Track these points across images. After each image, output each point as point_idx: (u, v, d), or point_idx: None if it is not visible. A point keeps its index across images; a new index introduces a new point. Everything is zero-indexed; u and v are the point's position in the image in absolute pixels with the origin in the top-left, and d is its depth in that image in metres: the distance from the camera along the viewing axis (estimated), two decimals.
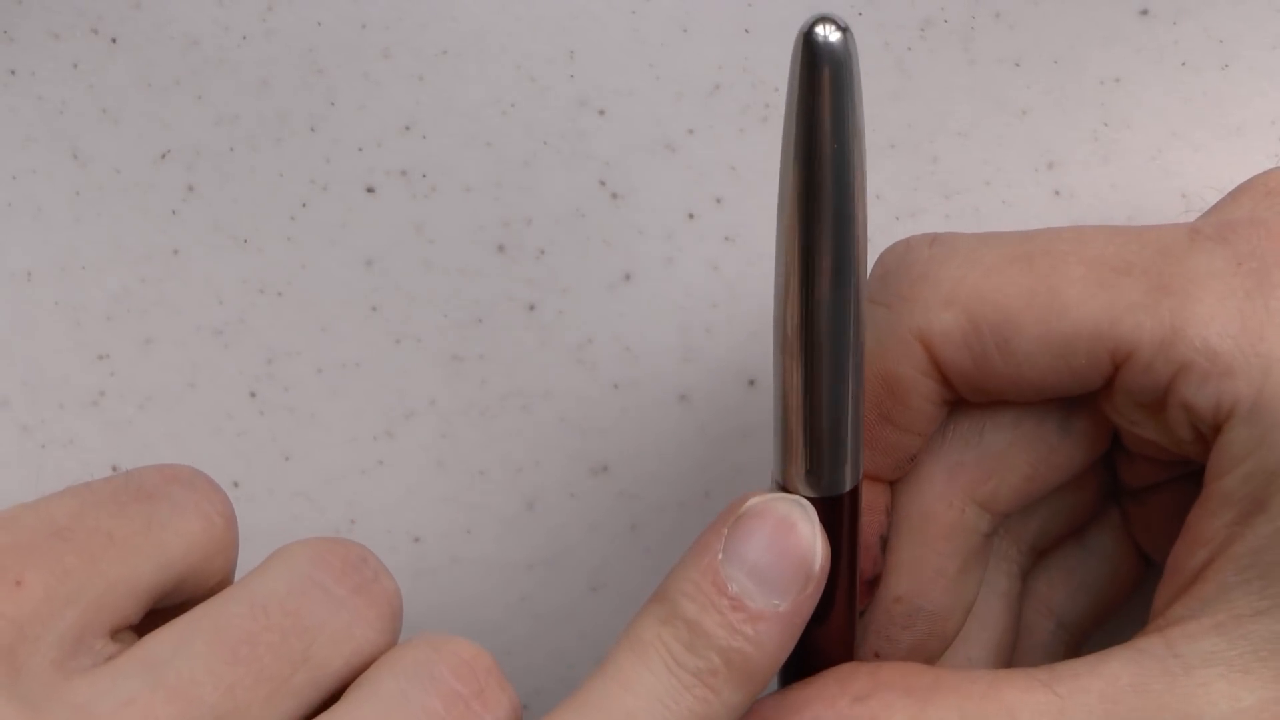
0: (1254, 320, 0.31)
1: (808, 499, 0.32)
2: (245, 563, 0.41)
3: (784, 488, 0.32)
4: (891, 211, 0.39)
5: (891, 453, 0.34)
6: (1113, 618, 0.37)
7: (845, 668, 0.34)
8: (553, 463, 0.40)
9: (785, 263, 0.30)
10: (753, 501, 0.32)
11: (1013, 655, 0.36)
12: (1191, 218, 0.38)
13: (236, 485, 0.40)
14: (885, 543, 0.35)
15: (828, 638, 0.34)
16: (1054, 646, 0.37)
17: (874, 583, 0.35)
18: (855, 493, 0.32)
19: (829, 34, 0.28)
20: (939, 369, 0.33)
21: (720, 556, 0.31)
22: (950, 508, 0.34)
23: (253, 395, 0.40)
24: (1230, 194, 0.35)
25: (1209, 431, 0.32)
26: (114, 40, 0.39)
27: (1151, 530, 0.36)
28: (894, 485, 0.35)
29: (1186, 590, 0.32)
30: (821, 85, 0.28)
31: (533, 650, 0.41)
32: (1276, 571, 0.31)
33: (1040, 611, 0.37)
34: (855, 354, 0.31)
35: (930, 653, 0.35)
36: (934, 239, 0.34)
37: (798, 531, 0.31)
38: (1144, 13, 0.38)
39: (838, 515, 0.32)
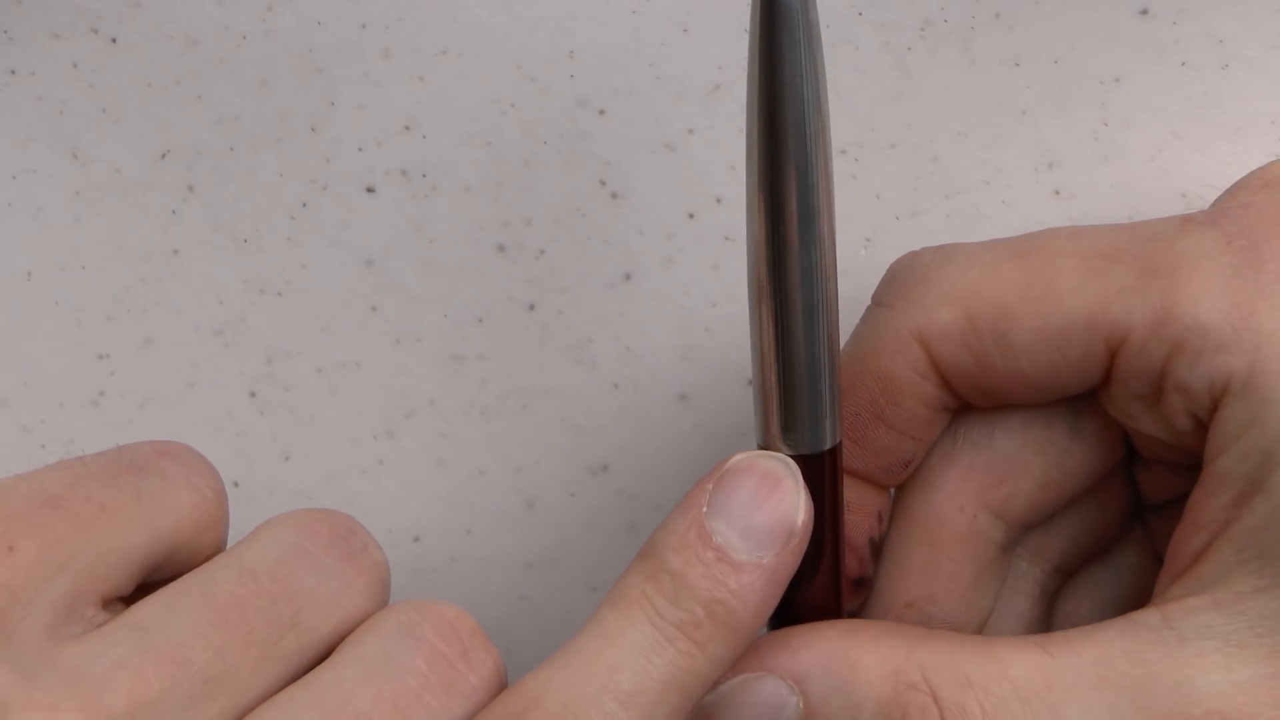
0: (1243, 295, 0.31)
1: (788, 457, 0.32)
2: None
3: (765, 448, 0.32)
4: (891, 211, 0.39)
5: (884, 454, 0.34)
6: None
7: (842, 619, 0.34)
8: (552, 462, 0.40)
9: (753, 213, 0.31)
10: (737, 458, 0.32)
11: None
12: None
13: (236, 485, 0.40)
14: (876, 547, 0.35)
15: (814, 599, 0.34)
16: None
17: (862, 583, 0.35)
18: (835, 453, 0.33)
19: None
20: (938, 370, 0.33)
21: (705, 510, 0.31)
22: (962, 513, 0.34)
23: (253, 395, 0.40)
24: (1227, 190, 0.35)
25: (1206, 415, 0.32)
26: (114, 40, 0.39)
27: None
28: (904, 490, 0.35)
29: (1186, 571, 0.32)
30: (779, 28, 0.29)
31: (533, 650, 0.41)
32: (1273, 551, 0.31)
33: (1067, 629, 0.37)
34: (826, 306, 0.31)
35: None
36: (940, 247, 0.34)
37: (782, 487, 0.32)
38: (1144, 13, 0.38)
39: (818, 474, 0.32)
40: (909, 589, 0.35)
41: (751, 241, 0.31)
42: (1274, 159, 0.39)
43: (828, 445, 0.32)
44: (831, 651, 0.32)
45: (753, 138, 0.30)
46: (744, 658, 0.33)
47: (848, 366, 0.34)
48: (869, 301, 0.35)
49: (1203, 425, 0.32)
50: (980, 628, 0.35)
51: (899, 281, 0.34)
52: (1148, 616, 0.32)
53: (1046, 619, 0.36)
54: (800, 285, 0.31)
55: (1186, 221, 0.33)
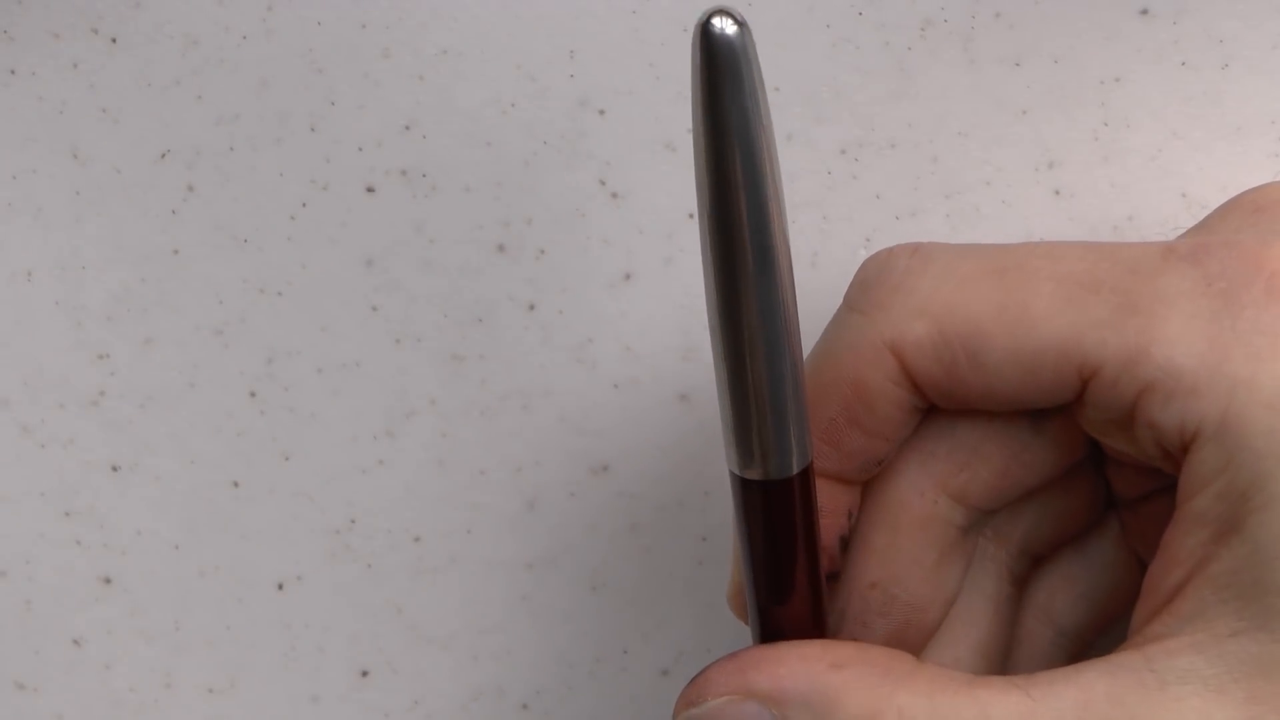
0: (1220, 340, 0.31)
1: (756, 481, 0.32)
2: (248, 561, 0.41)
3: (734, 473, 0.32)
4: (891, 211, 0.39)
5: (857, 456, 0.34)
6: (1115, 628, 0.37)
7: (833, 640, 0.34)
8: (553, 462, 0.40)
9: (708, 256, 0.30)
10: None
11: (1005, 661, 0.36)
12: (1192, 218, 0.38)
13: (236, 485, 0.40)
14: (845, 542, 0.35)
15: (793, 617, 0.34)
16: (1054, 656, 0.37)
17: (832, 577, 0.35)
18: (806, 474, 0.32)
19: (725, 27, 0.28)
20: (910, 378, 0.33)
21: None
22: (922, 497, 0.35)
23: (253, 395, 0.40)
24: (1218, 210, 0.35)
25: (1176, 451, 0.32)
26: (114, 40, 0.39)
27: (1146, 540, 0.36)
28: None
29: (1164, 608, 0.32)
30: (720, 73, 0.29)
31: (533, 650, 0.41)
32: (1253, 592, 0.31)
33: (1040, 620, 0.37)
34: (788, 338, 0.31)
35: (909, 644, 0.35)
36: (915, 249, 0.34)
37: None
38: (1144, 13, 0.38)
39: (788, 498, 0.32)
40: (872, 571, 0.35)
41: (708, 283, 0.31)
42: (1275, 161, 0.39)
43: (795, 470, 0.32)
44: (814, 685, 0.32)
45: (702, 185, 0.30)
46: (728, 674, 0.33)
47: (821, 371, 0.34)
48: None
49: (1171, 455, 0.32)
50: (947, 607, 0.35)
51: (872, 287, 0.34)
52: (1129, 659, 0.32)
53: (1016, 600, 0.36)
54: (761, 323, 0.31)
55: (1169, 254, 0.32)
